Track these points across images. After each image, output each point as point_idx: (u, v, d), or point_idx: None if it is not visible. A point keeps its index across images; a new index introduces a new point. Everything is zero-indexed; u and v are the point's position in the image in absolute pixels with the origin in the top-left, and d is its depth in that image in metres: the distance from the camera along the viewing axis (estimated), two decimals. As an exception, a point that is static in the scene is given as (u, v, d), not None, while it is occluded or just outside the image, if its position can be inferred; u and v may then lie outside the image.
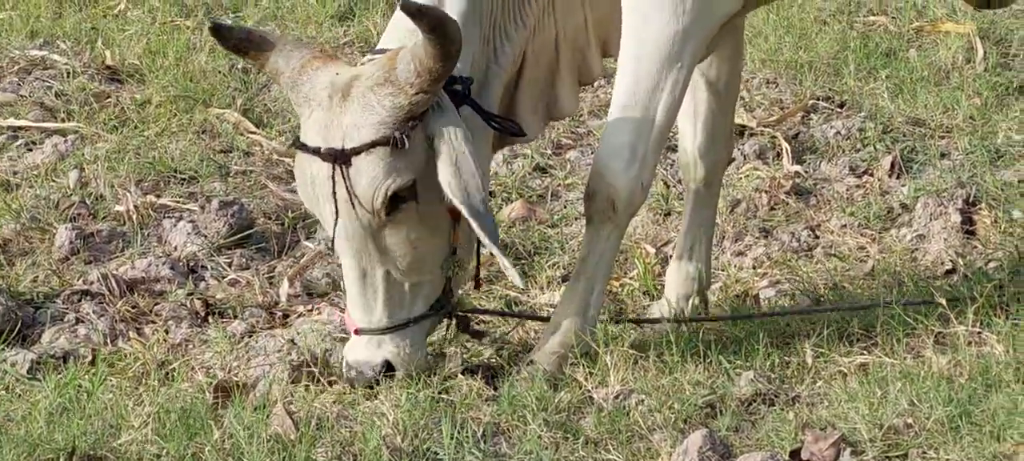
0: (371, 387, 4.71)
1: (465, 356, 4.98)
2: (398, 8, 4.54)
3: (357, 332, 4.77)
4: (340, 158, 4.51)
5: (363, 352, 4.75)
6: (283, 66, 4.73)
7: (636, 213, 4.99)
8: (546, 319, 5.12)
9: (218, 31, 4.99)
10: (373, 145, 4.53)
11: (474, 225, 4.50)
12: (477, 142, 4.70)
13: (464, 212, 4.49)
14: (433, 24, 4.37)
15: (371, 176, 4.51)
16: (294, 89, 4.69)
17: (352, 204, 4.53)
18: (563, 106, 5.05)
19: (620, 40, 4.84)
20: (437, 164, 4.54)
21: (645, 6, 4.69)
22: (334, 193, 4.57)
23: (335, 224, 4.62)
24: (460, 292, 4.97)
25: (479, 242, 4.78)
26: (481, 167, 4.67)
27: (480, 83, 4.81)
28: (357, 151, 4.53)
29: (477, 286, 5.10)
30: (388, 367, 4.73)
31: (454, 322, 4.99)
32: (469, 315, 5.03)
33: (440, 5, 4.65)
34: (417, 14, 4.36)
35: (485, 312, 5.12)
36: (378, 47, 4.83)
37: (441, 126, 4.61)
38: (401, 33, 4.73)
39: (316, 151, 4.58)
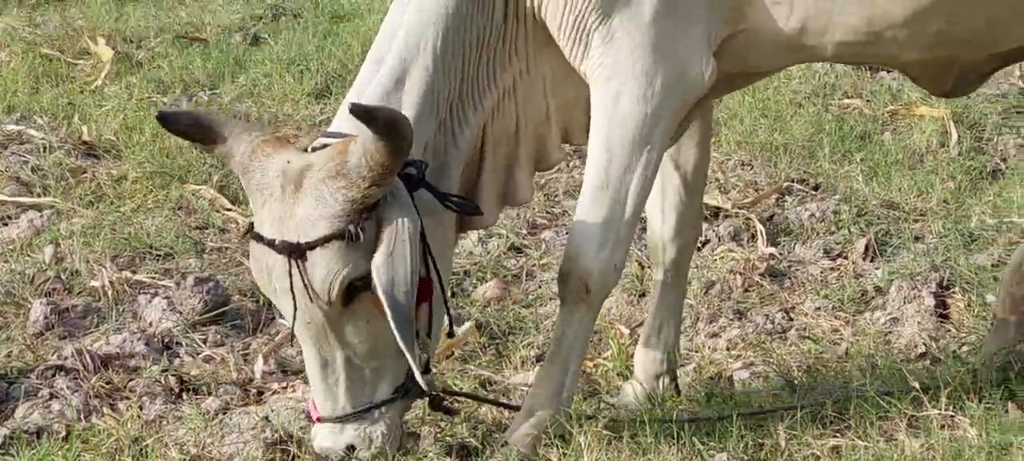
0: None
1: (440, 435, 4.97)
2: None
3: (318, 420, 4.75)
4: (295, 252, 4.49)
5: (328, 439, 4.71)
6: (234, 150, 4.70)
7: (609, 294, 5.02)
8: (517, 408, 5.09)
9: (165, 119, 5.05)
10: (328, 239, 4.52)
11: (388, 315, 4.46)
12: (438, 224, 4.74)
13: (383, 300, 4.46)
14: (384, 127, 4.39)
15: (326, 269, 4.49)
16: (245, 175, 4.65)
17: (309, 296, 4.52)
18: (520, 194, 5.03)
19: (581, 127, 4.93)
20: (377, 249, 4.54)
21: (614, 91, 4.71)
22: (291, 286, 4.54)
23: (294, 315, 4.61)
24: (432, 373, 4.91)
25: (446, 322, 4.83)
26: (440, 244, 4.73)
27: (438, 166, 4.80)
28: (312, 246, 4.51)
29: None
30: (352, 448, 4.69)
31: (428, 400, 4.93)
32: (442, 394, 4.98)
33: (397, 91, 4.70)
34: (367, 117, 4.37)
35: (459, 394, 5.09)
36: (331, 128, 4.86)
37: (393, 215, 4.60)
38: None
39: (271, 244, 4.55)
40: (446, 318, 4.89)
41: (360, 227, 4.51)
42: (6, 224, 6.43)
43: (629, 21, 4.66)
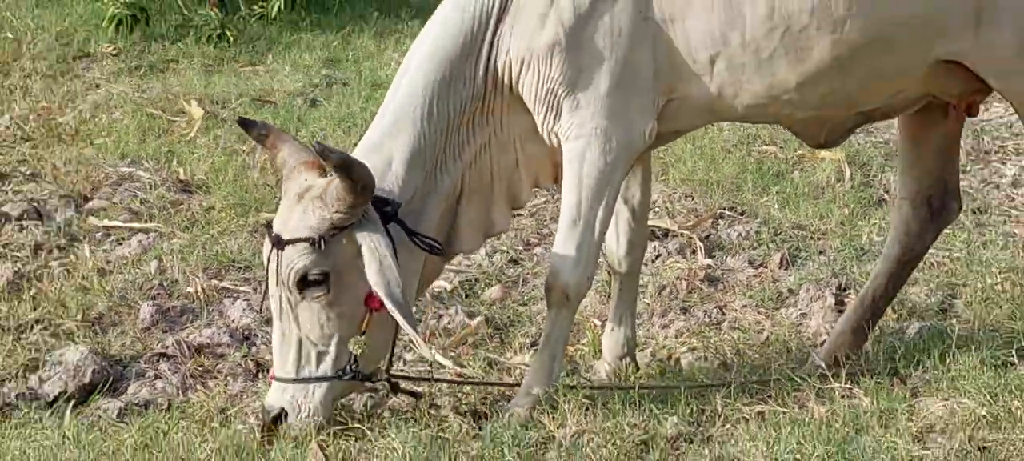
0: (263, 433, 4.68)
1: (457, 404, 4.96)
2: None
3: (272, 378, 4.75)
4: (277, 243, 4.58)
5: (271, 396, 4.71)
6: (287, 160, 4.77)
7: (584, 297, 4.99)
8: (461, 382, 5.21)
9: (245, 124, 5.09)
10: (299, 240, 4.57)
11: (393, 312, 4.49)
12: (407, 253, 4.70)
13: (387, 302, 4.48)
14: (338, 166, 4.45)
15: (289, 261, 4.55)
16: (286, 181, 4.74)
17: (276, 278, 4.58)
18: (498, 226, 5.02)
19: (547, 175, 4.95)
20: (365, 265, 4.56)
21: (581, 148, 4.70)
22: (269, 267, 4.64)
23: (266, 289, 4.71)
24: (383, 361, 4.89)
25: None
26: (406, 271, 4.68)
27: (421, 205, 4.78)
28: (288, 242, 4.57)
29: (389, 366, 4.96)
30: (284, 415, 4.67)
31: (390, 386, 4.96)
32: (398, 380, 4.98)
33: (390, 142, 4.74)
34: (324, 156, 4.52)
35: (401, 377, 5.06)
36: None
37: (364, 235, 4.59)
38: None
39: (270, 233, 4.66)
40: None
41: (324, 239, 4.55)
42: (120, 243, 6.40)
43: (590, 94, 4.67)
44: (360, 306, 4.69)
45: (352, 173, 4.47)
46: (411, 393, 5.06)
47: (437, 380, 5.23)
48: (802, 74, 4.72)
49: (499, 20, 4.72)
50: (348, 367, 4.72)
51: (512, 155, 4.91)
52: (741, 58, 4.69)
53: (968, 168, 7.84)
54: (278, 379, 4.70)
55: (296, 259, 4.60)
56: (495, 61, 4.75)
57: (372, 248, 4.59)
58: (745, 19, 4.65)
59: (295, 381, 4.70)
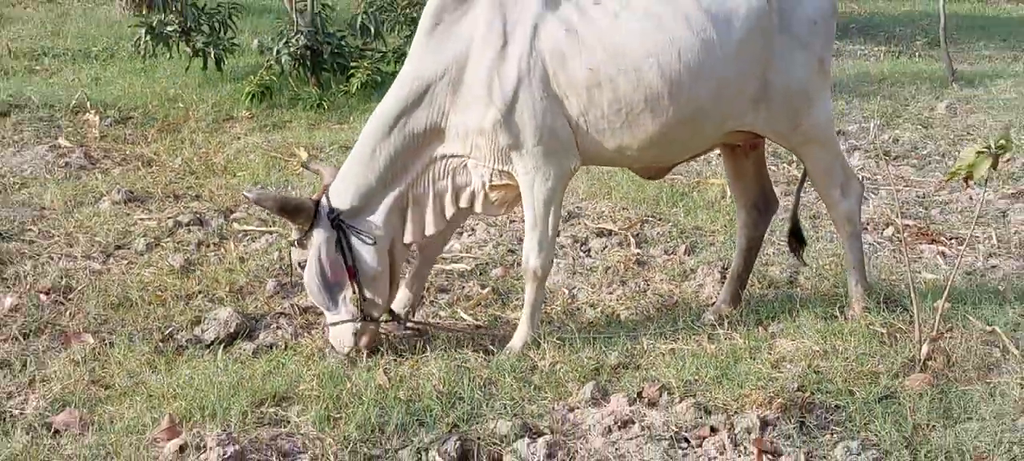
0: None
1: (474, 345, 4.95)
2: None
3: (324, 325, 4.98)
4: (290, 244, 4.96)
5: (329, 333, 4.90)
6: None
7: (549, 274, 4.97)
8: (443, 328, 5.17)
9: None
10: (293, 243, 4.84)
11: (310, 290, 4.82)
12: (372, 247, 4.77)
13: (308, 282, 4.80)
14: (270, 207, 4.80)
15: (289, 253, 5.01)
16: None
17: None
18: (429, 230, 4.89)
19: (467, 199, 4.85)
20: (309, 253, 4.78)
21: (531, 180, 4.67)
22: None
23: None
24: (385, 310, 4.96)
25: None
26: (364, 252, 4.77)
27: (375, 208, 4.78)
28: (291, 243, 4.86)
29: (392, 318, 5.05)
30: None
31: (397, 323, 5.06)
32: (400, 319, 5.04)
33: (372, 161, 4.76)
34: (258, 203, 4.82)
35: (411, 321, 5.12)
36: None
37: (315, 233, 4.74)
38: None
39: None
40: (388, 289, 4.92)
41: (301, 240, 4.78)
42: (253, 241, 6.42)
43: (527, 147, 4.63)
44: (344, 276, 4.76)
45: (278, 208, 4.73)
46: (415, 330, 5.08)
47: (429, 325, 5.23)
48: (640, 140, 4.68)
49: (445, 95, 4.68)
50: (358, 313, 4.77)
51: (445, 182, 4.82)
52: (600, 127, 4.65)
53: (805, 189, 7.83)
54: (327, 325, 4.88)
55: (292, 252, 4.95)
56: (436, 121, 4.72)
57: (313, 244, 4.74)
58: (602, 104, 4.61)
59: (332, 325, 4.82)
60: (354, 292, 4.76)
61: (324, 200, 4.77)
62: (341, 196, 4.76)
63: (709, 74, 4.62)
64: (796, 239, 5.41)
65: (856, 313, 5.04)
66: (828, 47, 4.96)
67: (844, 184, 5.04)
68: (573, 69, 4.58)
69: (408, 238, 4.87)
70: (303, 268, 4.91)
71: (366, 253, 4.75)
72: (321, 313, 5.03)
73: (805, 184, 5.52)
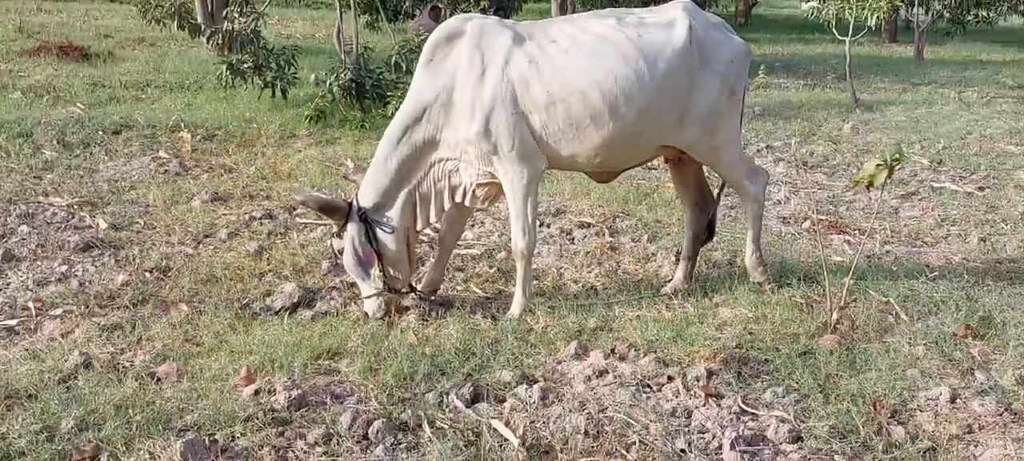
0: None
1: (483, 312, 4.94)
2: None
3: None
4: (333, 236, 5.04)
5: (365, 305, 4.87)
6: None
7: (533, 253, 4.87)
8: (440, 304, 5.08)
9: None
10: (333, 234, 5.01)
11: (352, 269, 4.83)
12: (392, 235, 4.80)
13: (348, 261, 4.82)
14: (312, 207, 4.76)
15: (333, 240, 5.03)
16: None
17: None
18: (433, 219, 4.89)
19: (460, 195, 4.82)
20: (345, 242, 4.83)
21: (511, 178, 4.64)
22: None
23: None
24: (407, 284, 4.95)
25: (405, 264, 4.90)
26: (388, 239, 4.80)
27: (392, 203, 4.79)
28: (333, 234, 4.97)
29: (412, 291, 5.02)
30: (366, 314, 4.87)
31: (417, 296, 5.05)
32: (417, 292, 5.03)
33: (386, 166, 4.75)
34: (303, 204, 4.77)
35: (415, 292, 5.05)
36: None
37: (348, 227, 4.79)
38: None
39: None
40: (408, 267, 4.92)
41: (339, 232, 4.81)
42: (312, 231, 6.38)
43: (504, 151, 4.61)
44: (373, 258, 4.80)
45: (318, 207, 4.74)
46: (429, 301, 5.05)
47: (440, 297, 5.20)
48: (588, 150, 4.67)
49: (439, 114, 4.68)
50: (384, 288, 4.81)
51: (443, 182, 4.82)
52: (556, 138, 4.64)
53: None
54: (363, 298, 4.87)
55: (335, 243, 5.01)
56: (433, 134, 4.72)
57: (348, 235, 4.79)
58: (558, 120, 4.60)
59: (364, 298, 4.84)
60: (380, 271, 4.80)
61: (355, 201, 4.82)
62: (366, 196, 4.80)
63: (640, 99, 4.61)
64: (708, 234, 5.36)
65: (757, 278, 5.10)
66: (740, 80, 4.91)
67: (750, 173, 5.04)
68: (534, 93, 4.57)
69: (419, 226, 4.90)
70: (342, 253, 4.93)
71: (387, 240, 4.79)
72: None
73: (723, 192, 5.47)
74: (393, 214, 4.80)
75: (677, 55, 4.67)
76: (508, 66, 4.61)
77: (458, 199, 4.85)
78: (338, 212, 4.79)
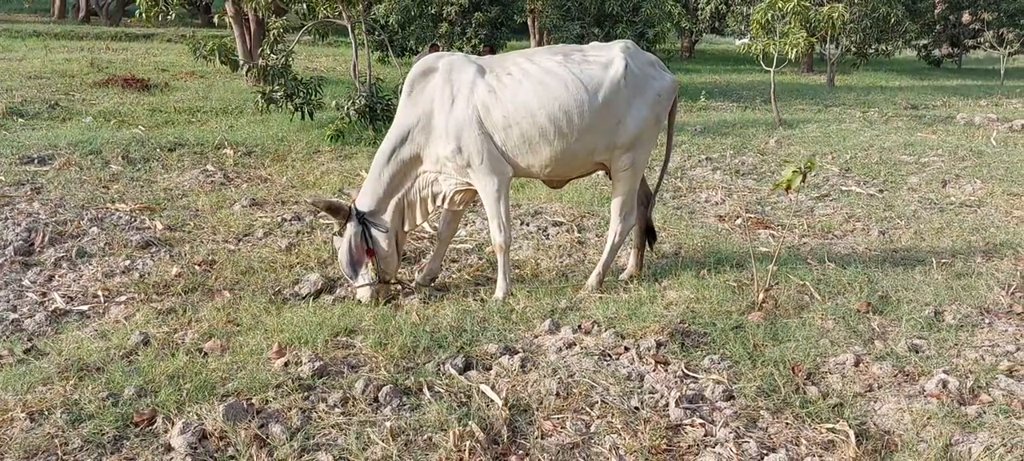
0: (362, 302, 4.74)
1: (472, 292, 4.91)
2: None
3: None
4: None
5: (358, 293, 4.79)
6: None
7: (509, 247, 4.85)
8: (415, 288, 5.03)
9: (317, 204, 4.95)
10: (335, 233, 4.78)
11: (343, 263, 4.70)
12: (384, 233, 4.73)
13: (340, 260, 4.72)
14: (320, 208, 4.64)
15: (334, 238, 4.78)
16: None
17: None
18: (418, 221, 4.85)
19: (441, 201, 4.78)
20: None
21: (485, 185, 4.61)
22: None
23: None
24: (396, 277, 4.92)
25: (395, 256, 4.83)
26: (382, 240, 4.72)
27: (385, 208, 4.75)
28: (335, 233, 4.79)
29: (397, 282, 4.98)
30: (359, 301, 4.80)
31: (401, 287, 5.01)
32: (392, 284, 4.95)
33: (379, 180, 4.68)
34: (314, 205, 4.67)
35: (399, 282, 5.04)
36: None
37: (347, 227, 4.72)
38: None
39: None
40: (396, 263, 4.86)
41: (340, 231, 4.69)
42: (321, 231, 6.32)
43: (476, 164, 4.57)
44: (365, 257, 4.74)
45: (324, 208, 4.64)
46: (411, 289, 5.01)
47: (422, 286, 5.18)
48: (539, 162, 4.63)
49: (421, 135, 4.66)
50: (373, 279, 4.76)
51: (426, 190, 4.80)
52: (514, 153, 4.60)
53: (685, 195, 7.82)
54: (355, 286, 4.81)
55: (335, 241, 4.81)
56: (416, 152, 4.69)
57: (347, 233, 4.72)
58: (514, 138, 4.56)
59: (359, 287, 4.79)
60: (374, 265, 4.78)
61: (354, 206, 4.81)
62: (363, 202, 4.79)
63: (579, 122, 4.57)
64: (650, 236, 5.30)
65: (586, 293, 4.87)
66: (665, 112, 4.86)
67: (627, 213, 4.92)
68: (494, 116, 4.55)
69: (407, 227, 4.89)
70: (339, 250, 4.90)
71: (381, 239, 4.77)
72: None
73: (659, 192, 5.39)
74: (386, 218, 4.80)
75: (613, 88, 4.62)
76: (473, 95, 4.59)
77: (439, 204, 4.84)
78: (340, 213, 4.79)
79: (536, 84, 4.59)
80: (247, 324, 4.46)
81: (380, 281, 4.81)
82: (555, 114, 4.55)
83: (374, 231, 4.76)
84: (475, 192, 4.79)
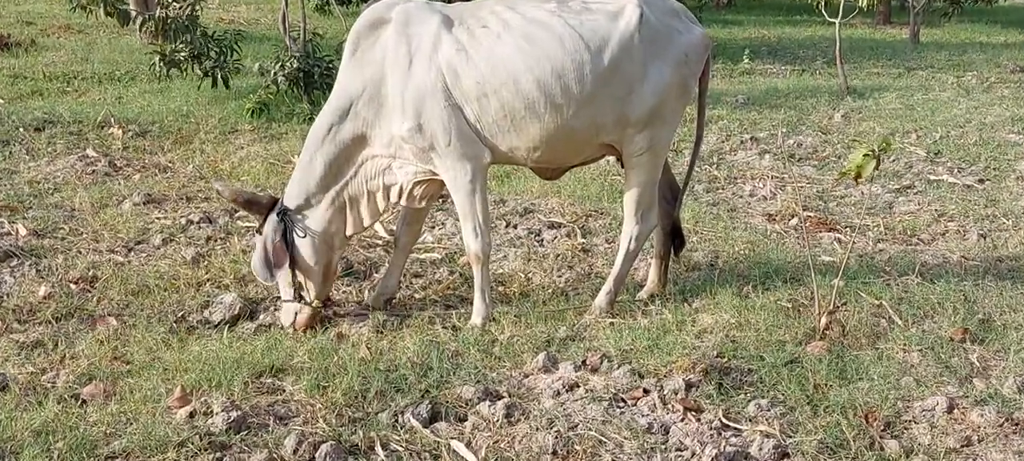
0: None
1: (442, 323, 4.92)
2: None
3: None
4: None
5: (280, 311, 4.92)
6: None
7: (490, 255, 4.92)
8: (362, 312, 5.08)
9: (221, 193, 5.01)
10: (255, 230, 4.96)
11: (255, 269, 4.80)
12: (306, 240, 4.81)
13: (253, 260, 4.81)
14: (231, 200, 4.90)
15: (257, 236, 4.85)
16: None
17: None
18: (366, 223, 4.91)
19: (397, 195, 4.83)
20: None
21: (454, 175, 4.65)
22: None
23: None
24: (311, 297, 4.90)
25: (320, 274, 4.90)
26: (306, 245, 4.81)
27: (317, 203, 4.81)
28: (256, 230, 4.90)
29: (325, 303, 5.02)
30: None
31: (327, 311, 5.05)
32: (333, 306, 5.07)
33: (310, 167, 4.78)
34: (220, 193, 4.92)
35: (326, 305, 5.05)
36: None
37: (267, 224, 4.80)
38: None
39: None
40: (323, 280, 4.92)
41: (259, 229, 4.79)
42: (255, 235, 6.32)
43: (441, 147, 4.60)
44: (285, 260, 4.78)
45: (241, 202, 4.86)
46: (325, 315, 5.02)
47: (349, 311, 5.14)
48: (526, 143, 4.66)
49: (367, 108, 4.68)
50: (296, 297, 4.82)
51: (375, 181, 4.82)
52: (492, 131, 4.62)
53: (723, 186, 7.86)
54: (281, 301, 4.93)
55: (257, 239, 4.90)
56: (361, 130, 4.72)
57: (265, 230, 4.80)
58: (491, 111, 4.58)
59: (281, 303, 4.92)
60: (292, 277, 4.80)
61: (281, 200, 4.86)
62: (290, 197, 4.82)
63: (578, 90, 4.57)
64: (678, 241, 5.33)
65: (595, 314, 4.95)
66: (694, 77, 4.88)
67: (646, 211, 4.96)
68: (465, 82, 4.56)
69: (349, 231, 4.91)
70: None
71: (301, 245, 4.80)
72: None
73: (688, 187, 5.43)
74: (316, 218, 4.82)
75: (623, 45, 4.62)
76: (437, 53, 4.59)
77: (394, 200, 4.85)
78: (255, 207, 4.84)
79: (520, 39, 4.58)
80: (140, 362, 4.43)
81: (297, 299, 4.83)
82: (545, 79, 4.55)
83: (295, 234, 4.80)
84: (442, 184, 4.79)
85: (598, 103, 4.64)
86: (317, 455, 3.62)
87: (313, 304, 4.88)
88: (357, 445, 3.71)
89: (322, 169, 4.77)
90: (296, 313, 4.84)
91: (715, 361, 4.31)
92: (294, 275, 4.83)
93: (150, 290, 5.30)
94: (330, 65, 10.57)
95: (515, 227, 6.55)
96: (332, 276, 5.00)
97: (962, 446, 3.76)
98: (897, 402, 4.03)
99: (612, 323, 4.80)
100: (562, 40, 4.58)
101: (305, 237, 4.80)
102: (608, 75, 4.61)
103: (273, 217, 4.80)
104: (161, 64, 10.73)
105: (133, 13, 12.37)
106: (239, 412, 3.86)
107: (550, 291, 5.38)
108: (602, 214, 6.85)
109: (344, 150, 4.76)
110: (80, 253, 5.89)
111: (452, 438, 3.76)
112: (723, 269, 5.70)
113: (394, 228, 5.20)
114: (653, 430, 3.84)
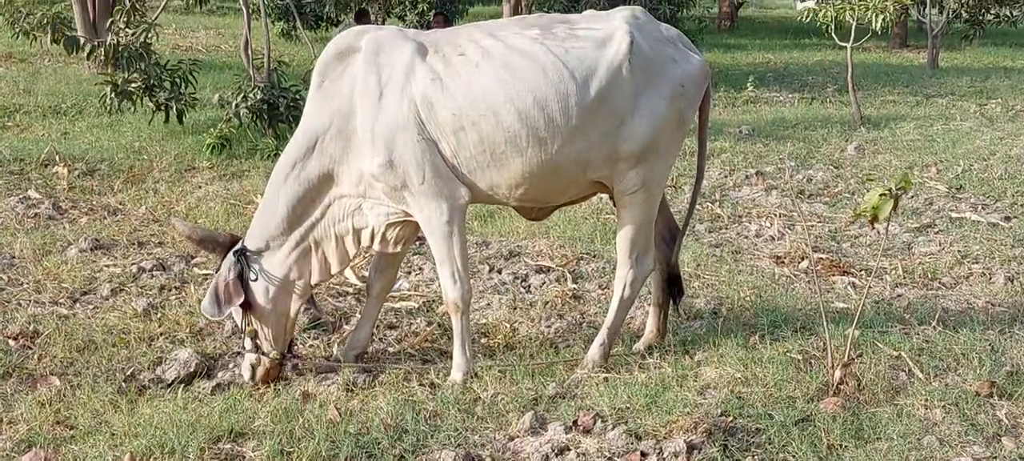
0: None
1: (422, 377, 4.90)
2: None
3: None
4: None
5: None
6: None
7: (470, 303, 4.88)
8: (331, 367, 5.06)
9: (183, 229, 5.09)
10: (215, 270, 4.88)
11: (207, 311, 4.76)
12: (261, 286, 4.81)
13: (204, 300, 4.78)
14: (186, 237, 5.02)
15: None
16: None
17: None
18: (334, 269, 4.91)
19: (368, 239, 4.82)
20: None
21: (427, 216, 4.63)
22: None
23: None
24: (280, 350, 4.90)
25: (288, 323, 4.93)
26: (267, 291, 4.82)
27: (279, 246, 4.81)
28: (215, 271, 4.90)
29: (283, 354, 4.95)
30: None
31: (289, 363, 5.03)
32: (285, 359, 4.97)
33: (273, 206, 4.78)
34: (177, 232, 5.08)
35: (287, 357, 4.99)
36: None
37: (224, 263, 4.81)
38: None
39: None
40: (281, 329, 4.91)
41: (218, 269, 4.77)
42: (196, 287, 6.30)
43: (415, 185, 4.59)
44: (239, 300, 4.76)
45: (198, 239, 4.91)
46: (290, 366, 5.04)
47: (328, 365, 5.12)
48: (508, 180, 4.65)
49: (334, 144, 4.68)
50: (250, 345, 4.85)
51: (344, 223, 4.81)
52: (471, 167, 4.61)
53: (727, 226, 7.88)
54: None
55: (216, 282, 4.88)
56: (327, 168, 4.72)
57: (221, 270, 4.82)
58: (469, 145, 4.57)
59: (242, 354, 4.98)
60: (247, 325, 4.82)
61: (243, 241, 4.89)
62: (252, 237, 4.84)
63: (565, 123, 4.57)
64: (676, 290, 5.34)
65: (588, 368, 4.96)
66: (691, 108, 4.90)
67: (641, 254, 4.97)
68: (440, 114, 4.56)
69: (315, 278, 4.90)
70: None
71: (255, 289, 4.81)
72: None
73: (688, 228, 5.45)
74: (276, 262, 4.82)
75: (612, 75, 4.62)
76: (409, 84, 4.59)
77: (365, 244, 4.84)
78: (210, 245, 4.85)
79: (500, 68, 4.58)
80: (84, 426, 4.39)
81: (254, 349, 4.84)
82: (528, 111, 4.55)
83: (250, 278, 4.80)
84: (417, 226, 4.79)
85: (585, 137, 4.63)
86: (280, 529, 3.59)
87: (271, 355, 4.87)
88: (325, 517, 3.69)
89: (285, 210, 4.76)
90: (253, 366, 4.84)
91: (719, 420, 4.29)
92: (249, 321, 4.82)
93: (97, 346, 5.27)
94: (297, 96, 10.62)
95: (499, 272, 6.54)
96: (291, 327, 4.98)
97: (991, 512, 3.75)
98: (919, 464, 4.02)
99: (606, 378, 4.78)
100: (545, 69, 4.57)
101: (258, 280, 4.80)
102: (595, 107, 4.60)
103: (230, 257, 4.81)
104: (112, 95, 10.75)
105: (82, 40, 12.39)
106: (194, 481, 3.83)
107: (538, 343, 5.35)
108: (594, 257, 6.85)
109: (310, 189, 4.75)
110: (20, 305, 5.85)
111: (430, 508, 3.74)
112: (727, 317, 5.70)
113: (366, 274, 5.17)
114: (652, 497, 3.82)
